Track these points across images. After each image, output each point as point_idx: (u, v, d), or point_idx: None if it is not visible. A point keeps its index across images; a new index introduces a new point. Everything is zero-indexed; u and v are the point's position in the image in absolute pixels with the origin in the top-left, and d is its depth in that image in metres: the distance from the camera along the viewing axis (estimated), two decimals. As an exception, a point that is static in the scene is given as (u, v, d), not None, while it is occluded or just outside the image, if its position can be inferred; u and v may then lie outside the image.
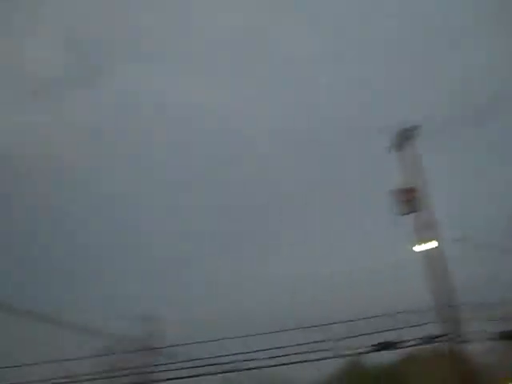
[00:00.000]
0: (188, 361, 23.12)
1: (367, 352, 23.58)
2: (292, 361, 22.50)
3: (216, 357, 22.76)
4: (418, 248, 27.08)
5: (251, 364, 22.53)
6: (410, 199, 27.30)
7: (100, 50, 60.28)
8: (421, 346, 24.68)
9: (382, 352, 23.86)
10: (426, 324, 23.22)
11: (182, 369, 22.69)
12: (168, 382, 24.93)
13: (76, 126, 57.59)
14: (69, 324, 22.03)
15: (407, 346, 23.61)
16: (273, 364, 22.51)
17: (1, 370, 25.47)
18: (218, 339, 23.54)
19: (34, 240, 48.24)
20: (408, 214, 27.27)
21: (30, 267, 44.16)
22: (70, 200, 53.35)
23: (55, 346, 32.17)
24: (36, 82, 58.92)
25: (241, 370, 23.67)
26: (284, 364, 22.70)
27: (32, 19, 57.09)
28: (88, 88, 59.85)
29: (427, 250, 26.82)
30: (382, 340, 23.33)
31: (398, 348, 23.50)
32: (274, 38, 63.53)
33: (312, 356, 22.41)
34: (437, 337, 23.70)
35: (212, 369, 23.34)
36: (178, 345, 25.62)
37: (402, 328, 22.99)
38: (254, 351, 22.16)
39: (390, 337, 23.22)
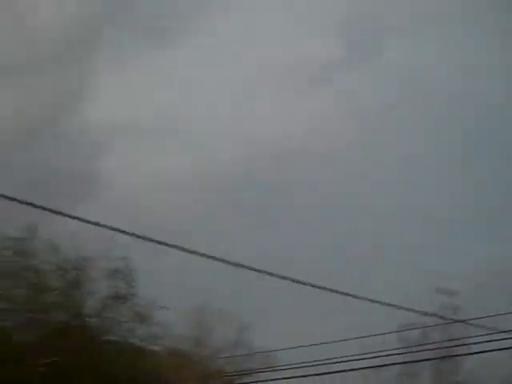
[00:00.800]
0: (496, 332, 22.58)
1: None
2: None
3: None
4: None
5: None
6: None
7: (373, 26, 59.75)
8: None
9: None
10: None
11: (490, 341, 22.11)
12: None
13: (355, 108, 57.99)
14: (369, 299, 22.63)
15: None
16: None
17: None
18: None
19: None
20: None
21: (337, 251, 45.67)
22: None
23: (357, 322, 33.31)
24: (312, 68, 60.65)
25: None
26: None
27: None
28: (365, 68, 59.64)
29: None
30: None
31: None
32: None
33: None
34: None
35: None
36: (480, 317, 25.08)
37: None
38: None
39: None
